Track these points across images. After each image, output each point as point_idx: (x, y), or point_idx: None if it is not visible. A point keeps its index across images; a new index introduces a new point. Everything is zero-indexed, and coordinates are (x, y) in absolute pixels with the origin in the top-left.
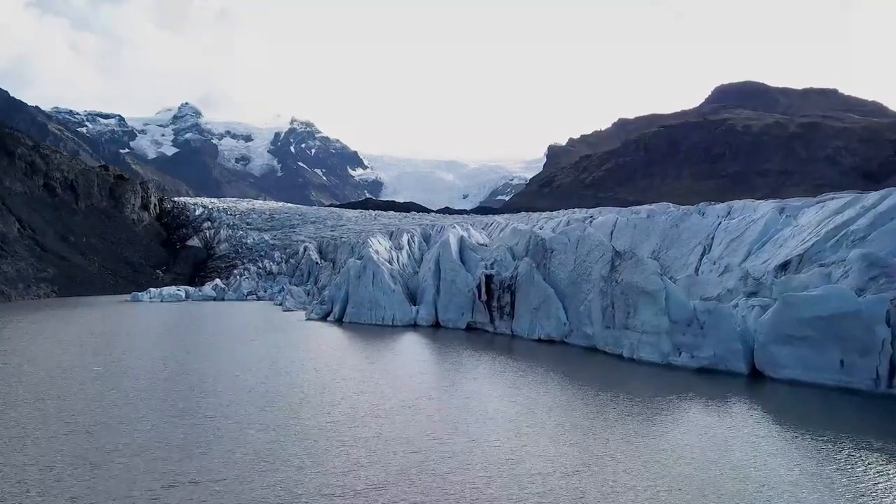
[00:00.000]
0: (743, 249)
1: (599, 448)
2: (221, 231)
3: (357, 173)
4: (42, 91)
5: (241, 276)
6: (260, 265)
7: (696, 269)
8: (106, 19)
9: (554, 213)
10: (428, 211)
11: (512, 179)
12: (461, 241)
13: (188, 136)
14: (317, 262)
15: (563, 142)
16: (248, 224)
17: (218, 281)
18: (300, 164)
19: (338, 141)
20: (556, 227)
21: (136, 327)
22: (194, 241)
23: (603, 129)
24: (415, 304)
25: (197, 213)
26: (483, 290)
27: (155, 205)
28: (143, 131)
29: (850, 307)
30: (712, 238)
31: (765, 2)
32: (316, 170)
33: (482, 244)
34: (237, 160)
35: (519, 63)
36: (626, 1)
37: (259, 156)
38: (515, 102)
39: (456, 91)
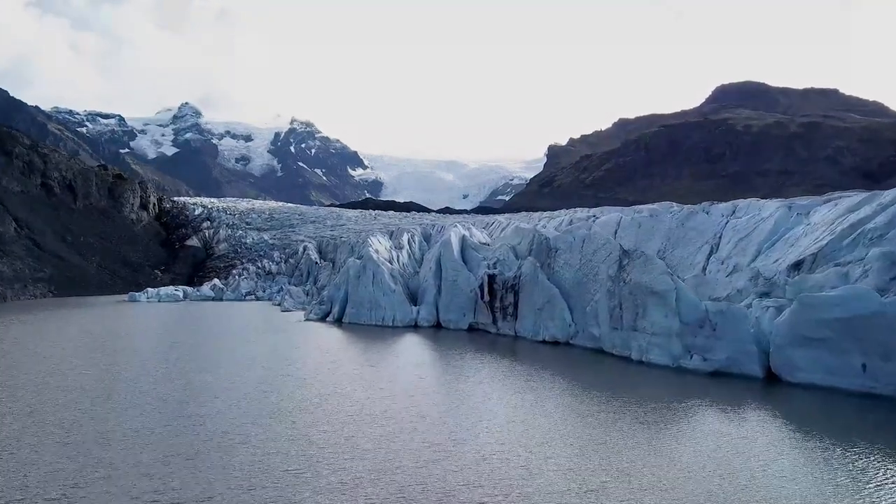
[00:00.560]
0: (752, 249)
1: (616, 461)
2: (221, 231)
3: (357, 173)
4: (42, 91)
5: (239, 276)
6: (259, 265)
7: (704, 269)
8: (106, 19)
9: (555, 212)
10: (428, 211)
11: (512, 179)
12: (463, 240)
13: (188, 136)
14: (316, 262)
15: (564, 142)
16: (247, 224)
17: (216, 281)
18: (300, 164)
19: (338, 141)
20: (558, 227)
21: (129, 329)
22: (193, 241)
23: (603, 129)
24: (415, 305)
25: (196, 212)
26: (485, 290)
27: (154, 204)
28: (143, 131)
29: (872, 308)
30: (719, 237)
31: (765, 2)
32: (316, 170)
33: (484, 243)
34: (237, 160)
35: (519, 63)
36: (627, 1)
37: (259, 156)
38: (515, 102)
39: (456, 91)
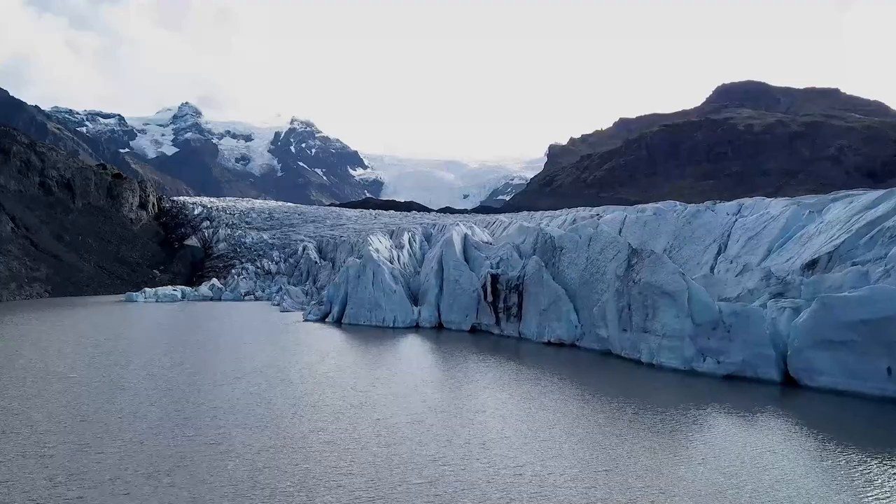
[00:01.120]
0: (762, 248)
1: (635, 478)
2: (220, 230)
3: (357, 173)
4: (40, 90)
5: (238, 275)
6: (258, 265)
7: (712, 269)
8: (104, 18)
9: (556, 212)
10: (428, 210)
11: (512, 179)
12: (465, 239)
13: (188, 135)
14: (316, 262)
15: (564, 141)
16: (247, 223)
17: (215, 281)
18: (300, 163)
19: (338, 140)
20: (561, 226)
21: (121, 331)
22: (192, 241)
23: (604, 129)
24: (416, 305)
25: (196, 212)
26: (489, 290)
27: (153, 204)
28: (142, 131)
29: None
30: (728, 236)
31: (765, 1)
32: (316, 169)
33: (487, 243)
34: (237, 160)
35: (520, 63)
36: (627, 1)
37: (259, 155)
38: (516, 102)
39: (456, 91)
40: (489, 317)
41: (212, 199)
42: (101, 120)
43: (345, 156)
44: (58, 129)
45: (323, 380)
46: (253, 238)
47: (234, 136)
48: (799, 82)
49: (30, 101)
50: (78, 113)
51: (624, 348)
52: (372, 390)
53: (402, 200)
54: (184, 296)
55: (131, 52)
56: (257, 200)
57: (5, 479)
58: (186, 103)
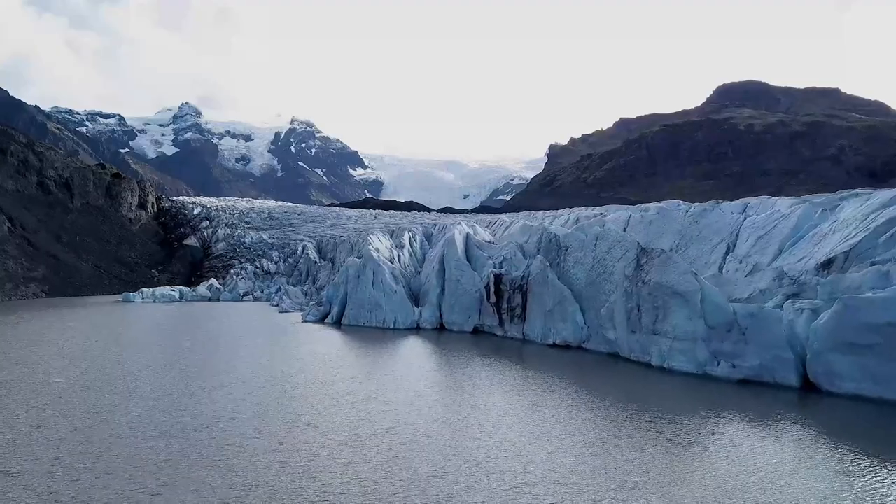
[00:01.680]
0: (773, 247)
1: (659, 498)
2: (219, 230)
3: (357, 173)
4: (41, 90)
5: (237, 275)
6: (257, 265)
7: (720, 269)
8: (104, 18)
9: (558, 211)
10: (429, 210)
11: (513, 179)
12: (467, 238)
13: (188, 135)
14: (315, 262)
15: (564, 141)
16: (246, 223)
17: (213, 281)
18: (300, 163)
19: (338, 140)
20: (564, 225)
21: (115, 332)
22: (192, 241)
23: (604, 129)
24: (417, 306)
25: (195, 212)
26: (492, 290)
27: (153, 203)
28: (142, 131)
29: None
30: (736, 235)
31: (765, 2)
32: (316, 169)
33: (489, 242)
34: (237, 160)
35: (520, 63)
36: (627, 1)
37: (259, 155)
38: (516, 102)
39: (456, 91)
40: (492, 318)
41: (211, 199)
42: (101, 120)
43: (345, 156)
44: (58, 129)
45: (321, 387)
46: (252, 238)
47: (234, 136)
48: (799, 82)
49: (30, 101)
50: (78, 113)
51: (633, 351)
52: (373, 397)
53: (403, 200)
54: (182, 296)
55: (131, 52)
56: (257, 200)
57: None
58: (186, 103)
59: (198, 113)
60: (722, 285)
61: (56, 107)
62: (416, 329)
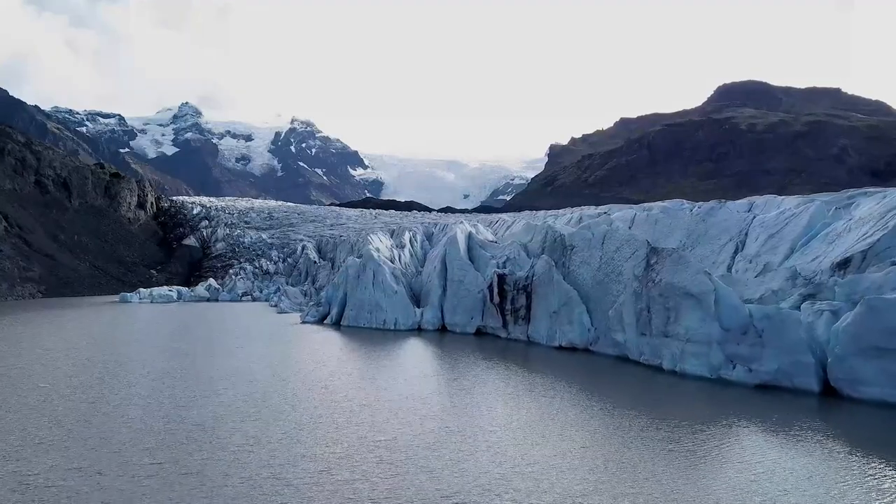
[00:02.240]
0: (784, 246)
1: None
2: (219, 230)
3: (357, 173)
4: (40, 89)
5: (236, 275)
6: (256, 265)
7: (729, 268)
8: (104, 17)
9: (560, 210)
10: (429, 210)
11: (513, 179)
12: (469, 237)
13: (188, 135)
14: (315, 262)
15: (565, 141)
16: (246, 223)
17: (212, 281)
18: (300, 163)
19: (338, 140)
20: (567, 224)
21: (109, 333)
22: (191, 241)
23: (605, 129)
24: (419, 307)
25: (194, 211)
26: (495, 291)
27: (152, 203)
28: (143, 131)
29: None
30: (745, 234)
31: (766, 1)
32: (316, 169)
33: (492, 241)
34: (237, 160)
35: (520, 62)
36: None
37: (259, 155)
38: (516, 102)
39: (457, 90)
40: (496, 319)
41: (211, 199)
42: (101, 120)
43: (345, 156)
44: (58, 128)
45: (318, 394)
46: (252, 238)
47: (234, 136)
48: (800, 82)
49: (29, 101)
50: (78, 113)
51: (643, 354)
52: (373, 405)
53: (403, 200)
54: (180, 296)
55: (131, 52)
56: (256, 200)
57: None
58: (186, 103)
59: (198, 113)
60: (732, 285)
61: (56, 107)
62: (418, 330)
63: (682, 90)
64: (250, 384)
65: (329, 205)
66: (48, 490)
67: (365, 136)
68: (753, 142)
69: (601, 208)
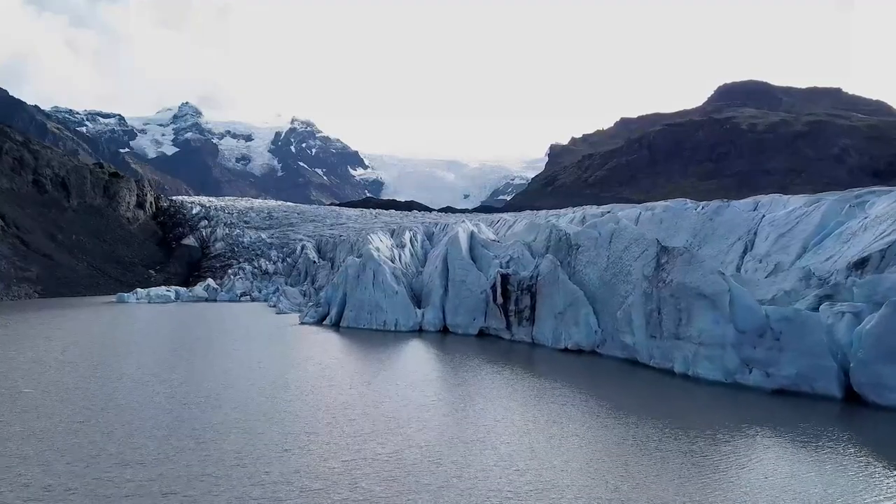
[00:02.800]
0: (796, 245)
1: None
2: (218, 230)
3: (358, 173)
4: (40, 89)
5: (234, 275)
6: (255, 264)
7: (738, 268)
8: (104, 17)
9: (562, 210)
10: (430, 210)
11: (513, 179)
12: (471, 236)
13: (188, 135)
14: (314, 262)
15: (565, 141)
16: (245, 223)
17: (210, 281)
18: (301, 163)
19: (338, 140)
20: (571, 223)
21: (103, 334)
22: (190, 240)
23: (605, 129)
24: (419, 308)
25: (194, 211)
26: (498, 291)
27: (151, 203)
28: (143, 131)
29: None
30: (754, 233)
31: (766, 1)
32: (316, 169)
33: (494, 241)
34: (237, 160)
35: (520, 62)
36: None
37: (259, 155)
38: (516, 102)
39: (457, 90)
40: (499, 320)
41: (210, 199)
42: (101, 120)
43: (345, 156)
44: (57, 128)
45: (315, 401)
46: (251, 237)
47: (234, 136)
48: (800, 82)
49: (29, 101)
50: (78, 113)
51: (653, 357)
52: (373, 413)
53: (403, 200)
54: (178, 296)
55: (131, 52)
56: (256, 200)
57: None
58: (186, 103)
59: (198, 113)
60: (743, 286)
61: (56, 106)
62: (419, 331)
63: (682, 90)
64: (244, 391)
65: (329, 204)
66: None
67: (365, 136)
68: (754, 142)
69: (603, 208)
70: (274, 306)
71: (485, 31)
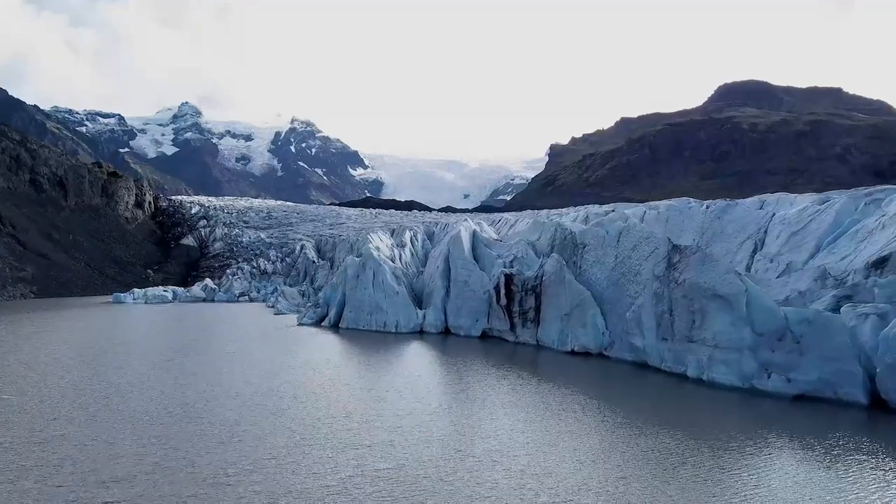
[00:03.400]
0: (809, 244)
1: None
2: (217, 229)
3: (358, 173)
4: (40, 89)
5: (233, 275)
6: (254, 264)
7: (748, 268)
8: (103, 16)
9: (564, 209)
10: (430, 209)
11: (513, 179)
12: (474, 235)
13: (188, 135)
14: (314, 262)
15: (565, 141)
16: (244, 222)
17: (208, 281)
18: (300, 163)
19: (338, 140)
20: (574, 222)
21: (93, 335)
22: (189, 240)
23: (605, 128)
24: (421, 308)
25: (193, 211)
26: (502, 291)
27: (150, 202)
28: (142, 130)
29: None
30: (765, 232)
31: (766, 1)
32: (316, 169)
33: (497, 240)
34: (237, 160)
35: (520, 62)
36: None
37: (259, 155)
38: (517, 102)
39: (457, 90)
40: (502, 322)
41: (209, 198)
42: (101, 119)
43: (345, 155)
44: (57, 128)
45: (311, 409)
46: (250, 237)
47: (234, 136)
48: (801, 82)
49: (29, 101)
50: (77, 112)
51: (664, 360)
52: (374, 422)
53: (403, 200)
54: (175, 297)
55: (131, 52)
56: (256, 199)
57: None
58: (186, 103)
59: (198, 112)
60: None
61: (55, 106)
62: (420, 333)
63: (683, 90)
64: (235, 398)
65: (329, 204)
66: None
67: (365, 136)
68: (755, 141)
69: (607, 207)
70: (272, 307)
71: (485, 31)
